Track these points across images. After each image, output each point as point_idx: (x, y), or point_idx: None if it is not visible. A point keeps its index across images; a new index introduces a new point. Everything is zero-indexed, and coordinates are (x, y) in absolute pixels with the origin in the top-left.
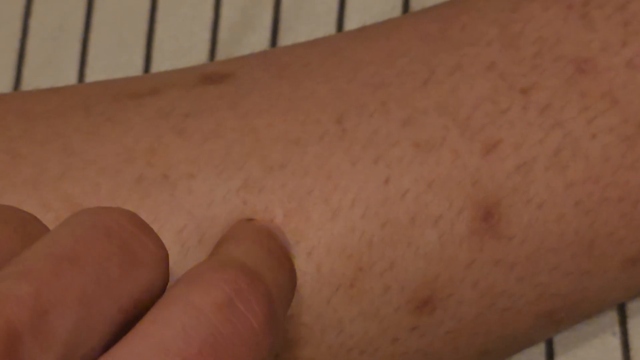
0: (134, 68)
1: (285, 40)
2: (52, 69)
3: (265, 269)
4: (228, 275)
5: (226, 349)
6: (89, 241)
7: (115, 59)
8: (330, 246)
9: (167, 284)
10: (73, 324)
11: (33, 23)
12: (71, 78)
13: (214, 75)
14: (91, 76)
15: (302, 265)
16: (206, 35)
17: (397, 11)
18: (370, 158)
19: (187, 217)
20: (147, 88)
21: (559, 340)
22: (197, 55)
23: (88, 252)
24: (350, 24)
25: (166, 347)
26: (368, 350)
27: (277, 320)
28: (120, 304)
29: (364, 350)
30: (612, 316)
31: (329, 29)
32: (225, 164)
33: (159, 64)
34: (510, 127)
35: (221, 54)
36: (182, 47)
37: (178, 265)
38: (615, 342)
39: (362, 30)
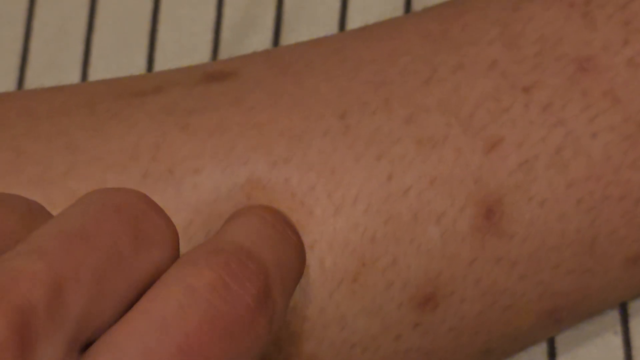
0: (137, 69)
1: (287, 40)
2: (55, 70)
3: (265, 246)
4: (219, 258)
5: (224, 325)
6: (100, 218)
7: (118, 60)
8: (333, 241)
9: (176, 258)
10: (86, 300)
11: (36, 25)
12: (74, 79)
13: (217, 73)
14: (94, 77)
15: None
16: (208, 36)
17: (399, 11)
18: (373, 155)
19: (193, 212)
20: (151, 86)
21: (560, 339)
22: (200, 56)
23: (99, 229)
24: (352, 25)
25: (166, 324)
26: (371, 347)
27: (272, 295)
28: (131, 281)
29: (367, 347)
30: (614, 315)
31: (331, 29)
32: (230, 159)
33: (162, 65)
34: (512, 126)
35: (223, 55)
36: (184, 48)
37: None
38: (617, 341)
39: (364, 30)
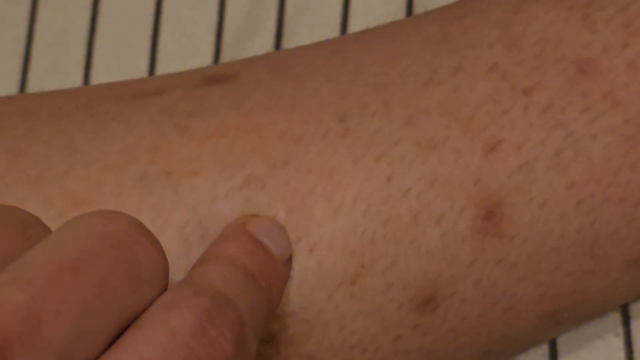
0: (139, 71)
1: (289, 43)
2: (57, 72)
3: (240, 293)
4: (201, 303)
5: None
6: (94, 250)
7: (120, 63)
8: (332, 243)
9: (167, 287)
10: (69, 334)
11: (38, 27)
12: (76, 82)
13: (217, 76)
14: (96, 80)
15: (304, 261)
16: (210, 39)
17: (400, 15)
18: (373, 156)
19: (190, 213)
20: (151, 89)
21: (562, 341)
22: (202, 59)
23: (92, 263)
24: (354, 28)
25: None
26: (370, 348)
27: (247, 342)
28: (121, 317)
29: (366, 348)
30: (615, 317)
31: (333, 32)
32: (228, 162)
33: (164, 68)
34: (512, 127)
35: (225, 58)
36: (186, 51)
37: (180, 260)
38: (618, 343)
39: (365, 33)
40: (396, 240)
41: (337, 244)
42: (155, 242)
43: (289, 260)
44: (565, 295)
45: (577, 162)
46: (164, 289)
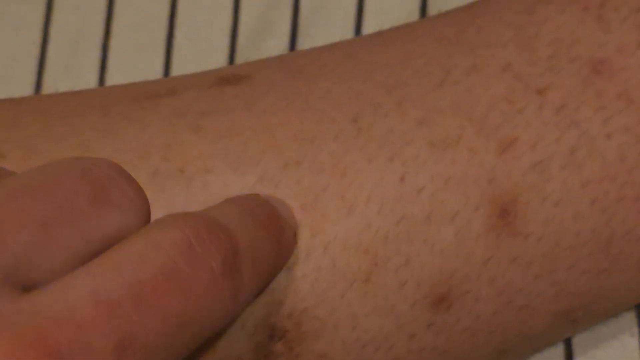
0: (153, 74)
1: (303, 45)
2: (72, 75)
3: (239, 226)
4: (189, 222)
5: (181, 281)
6: (60, 177)
7: (134, 65)
8: (346, 241)
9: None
10: (28, 242)
11: (53, 30)
12: (91, 84)
13: (230, 77)
14: (110, 82)
15: (318, 259)
16: (225, 41)
17: (414, 16)
18: (386, 156)
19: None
20: (164, 89)
21: (577, 341)
22: (216, 61)
23: (55, 185)
24: (368, 30)
25: (121, 268)
26: (383, 346)
27: (239, 270)
28: (85, 236)
29: (379, 347)
30: (630, 317)
31: (347, 34)
32: (241, 160)
33: (178, 70)
34: (526, 126)
35: (240, 60)
36: (200, 53)
37: None
38: (634, 343)
39: (379, 34)
40: (410, 238)
41: (350, 242)
42: (130, 178)
43: (296, 236)
44: (581, 293)
45: (591, 160)
46: (143, 221)
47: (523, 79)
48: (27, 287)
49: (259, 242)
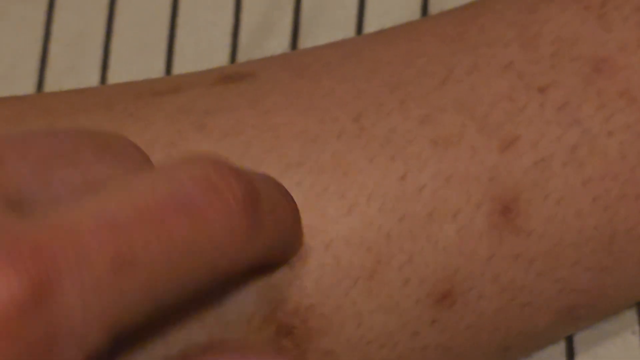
0: (156, 73)
1: (305, 44)
2: (74, 74)
3: (258, 178)
4: (211, 159)
5: (193, 211)
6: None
7: (136, 64)
8: (348, 239)
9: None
10: (29, 171)
11: (55, 29)
12: (93, 83)
13: (234, 74)
14: (113, 81)
15: (320, 257)
16: (227, 40)
17: (416, 15)
18: (387, 155)
19: None
20: (169, 87)
21: (579, 338)
22: (218, 60)
23: (59, 134)
24: (370, 29)
25: (131, 189)
26: (388, 344)
27: (260, 217)
28: (87, 177)
29: (384, 344)
30: (632, 315)
31: (349, 33)
32: (244, 160)
33: (180, 69)
34: (528, 125)
35: (242, 59)
36: (203, 52)
37: None
38: (635, 340)
39: (382, 33)
40: (412, 236)
41: (353, 240)
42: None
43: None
44: (583, 291)
45: (593, 158)
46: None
47: (525, 77)
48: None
49: (280, 203)
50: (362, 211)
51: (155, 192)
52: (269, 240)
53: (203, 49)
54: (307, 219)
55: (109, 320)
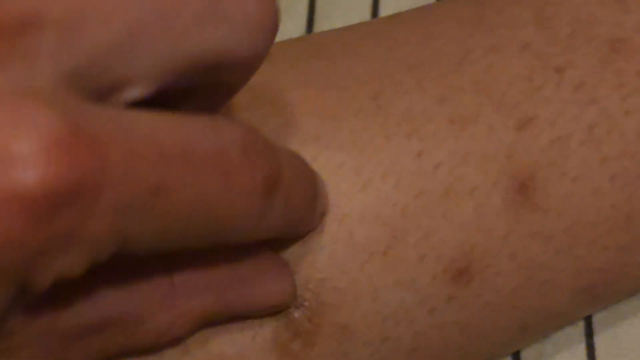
0: None
1: (320, 28)
2: None
3: (289, 165)
4: (253, 131)
5: (227, 174)
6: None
7: None
8: (363, 214)
9: (259, 56)
10: (109, 41)
11: None
12: None
13: None
14: None
15: (334, 231)
16: None
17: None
18: (404, 132)
19: None
20: None
21: (598, 319)
22: None
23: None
24: (385, 12)
25: (181, 130)
26: (404, 320)
27: (273, 199)
28: (179, 49)
29: (400, 320)
30: None
31: (364, 16)
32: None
33: None
34: (545, 104)
35: None
36: None
37: None
38: None
39: (398, 16)
40: (428, 212)
41: (368, 216)
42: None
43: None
44: (601, 269)
45: (610, 137)
46: (253, 48)
47: (542, 58)
48: (96, 94)
49: (297, 192)
50: (378, 187)
51: (203, 138)
52: (279, 223)
53: None
54: None
55: (123, 239)
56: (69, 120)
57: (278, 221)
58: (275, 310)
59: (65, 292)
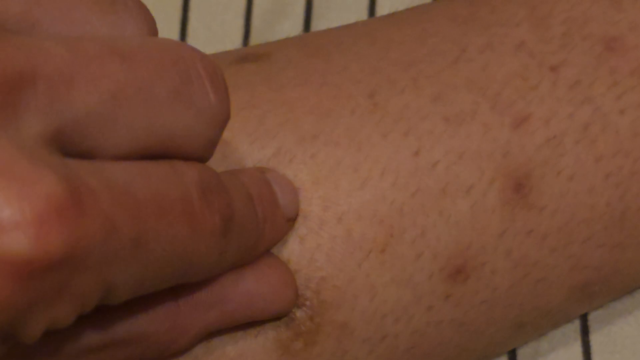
0: None
1: (317, 27)
2: None
3: (238, 198)
4: (208, 170)
5: (194, 223)
6: (151, 53)
7: None
8: (360, 212)
9: (213, 144)
10: (94, 105)
11: None
12: None
13: (250, 55)
14: None
15: (332, 229)
16: (239, 23)
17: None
18: (401, 131)
19: None
20: None
21: (593, 317)
22: (231, 43)
23: (144, 60)
24: (382, 11)
25: (151, 178)
26: (403, 317)
27: (229, 238)
28: (151, 125)
29: (399, 318)
30: None
31: (361, 16)
32: (259, 133)
33: None
34: (540, 102)
35: (254, 42)
36: (215, 35)
37: None
38: None
39: (394, 15)
40: (425, 210)
41: (365, 213)
42: (217, 79)
43: (291, 222)
44: (596, 267)
45: (605, 136)
46: (211, 140)
47: (537, 56)
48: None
49: (247, 220)
50: (375, 185)
51: (169, 186)
52: (233, 260)
53: (216, 33)
54: (320, 191)
55: (107, 290)
56: (60, 183)
57: (236, 253)
58: (277, 317)
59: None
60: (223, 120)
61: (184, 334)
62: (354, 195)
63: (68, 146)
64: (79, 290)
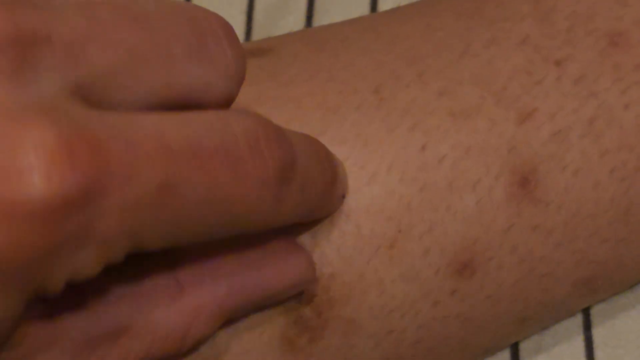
0: None
1: (320, 22)
2: None
3: (304, 152)
4: (263, 121)
5: (237, 167)
6: (166, 14)
7: None
8: (369, 208)
9: (231, 99)
10: (110, 62)
11: None
12: None
13: (255, 50)
14: None
15: (342, 225)
16: (242, 18)
17: None
18: (407, 126)
19: None
20: None
21: (596, 311)
22: None
23: (158, 21)
24: (384, 6)
25: (189, 127)
26: (409, 313)
27: (289, 187)
28: (169, 79)
29: (405, 313)
30: None
31: (364, 10)
32: None
33: None
34: (545, 97)
35: (257, 37)
36: None
37: None
38: None
39: (398, 10)
40: (433, 206)
41: (374, 209)
42: (233, 38)
43: (342, 199)
44: (601, 262)
45: (609, 130)
46: (231, 90)
47: (541, 51)
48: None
49: (313, 177)
50: (383, 181)
51: (211, 134)
52: (295, 212)
53: None
54: None
55: (135, 237)
56: (72, 129)
57: (295, 208)
58: (296, 290)
59: (72, 302)
60: (240, 75)
61: (196, 317)
62: (362, 191)
63: (93, 99)
64: (102, 235)
